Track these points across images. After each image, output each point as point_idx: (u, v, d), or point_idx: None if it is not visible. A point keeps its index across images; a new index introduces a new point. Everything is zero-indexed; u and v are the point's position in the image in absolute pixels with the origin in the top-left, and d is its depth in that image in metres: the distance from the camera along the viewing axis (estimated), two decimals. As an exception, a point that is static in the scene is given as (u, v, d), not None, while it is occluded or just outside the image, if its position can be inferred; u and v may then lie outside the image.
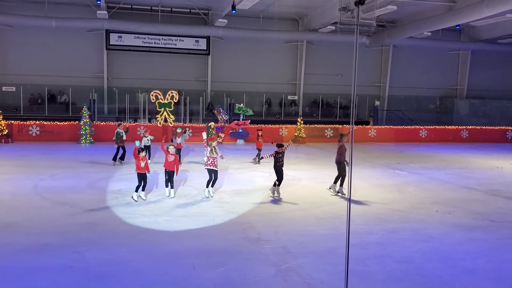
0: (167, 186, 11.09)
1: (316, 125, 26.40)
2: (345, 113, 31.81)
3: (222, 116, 20.56)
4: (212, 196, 11.08)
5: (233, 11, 23.05)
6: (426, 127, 28.00)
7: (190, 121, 27.24)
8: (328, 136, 25.83)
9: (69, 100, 27.50)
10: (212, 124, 17.84)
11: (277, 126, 25.57)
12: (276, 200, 11.08)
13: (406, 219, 9.69)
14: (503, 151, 23.28)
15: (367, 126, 27.74)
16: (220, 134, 17.67)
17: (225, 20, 26.23)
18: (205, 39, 29.23)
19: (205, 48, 29.48)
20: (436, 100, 35.22)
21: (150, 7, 27.76)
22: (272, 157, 11.36)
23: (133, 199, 10.42)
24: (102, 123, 23.06)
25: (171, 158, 10.80)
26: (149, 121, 26.47)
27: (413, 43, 30.43)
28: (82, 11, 26.38)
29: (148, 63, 28.74)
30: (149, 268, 6.61)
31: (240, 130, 21.10)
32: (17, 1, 25.68)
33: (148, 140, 15.71)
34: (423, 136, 27.44)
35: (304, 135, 24.89)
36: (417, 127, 28.20)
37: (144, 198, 10.61)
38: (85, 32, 27.50)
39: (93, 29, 27.40)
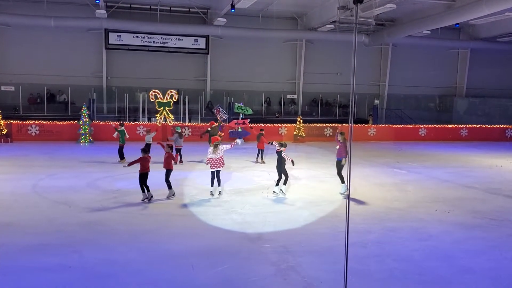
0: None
1: (315, 124, 26.38)
2: (344, 112, 31.78)
3: (221, 115, 20.55)
4: (220, 193, 11.21)
5: (232, 10, 23.03)
6: (425, 125, 28.00)
7: (190, 120, 27.22)
8: (328, 135, 25.80)
9: (68, 100, 27.43)
10: (215, 124, 17.88)
11: (276, 125, 25.55)
12: (275, 199, 11.08)
13: (406, 217, 9.70)
14: (502, 150, 23.28)
15: (366, 125, 27.74)
16: (220, 133, 17.68)
17: (224, 19, 26.19)
18: (204, 38, 29.20)
19: (204, 47, 29.43)
20: (436, 99, 35.21)
21: (149, 6, 27.71)
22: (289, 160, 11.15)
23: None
24: (101, 123, 23.03)
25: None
26: (149, 120, 26.46)
27: (412, 41, 30.37)
28: (81, 11, 26.31)
29: (147, 62, 28.69)
30: (148, 267, 6.60)
31: (240, 129, 21.09)
32: (16, 1, 25.62)
33: (150, 138, 15.94)
34: (423, 135, 27.43)
35: (303, 134, 24.89)
36: (417, 125, 28.19)
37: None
38: (84, 31, 27.43)
39: (92, 29, 27.34)
